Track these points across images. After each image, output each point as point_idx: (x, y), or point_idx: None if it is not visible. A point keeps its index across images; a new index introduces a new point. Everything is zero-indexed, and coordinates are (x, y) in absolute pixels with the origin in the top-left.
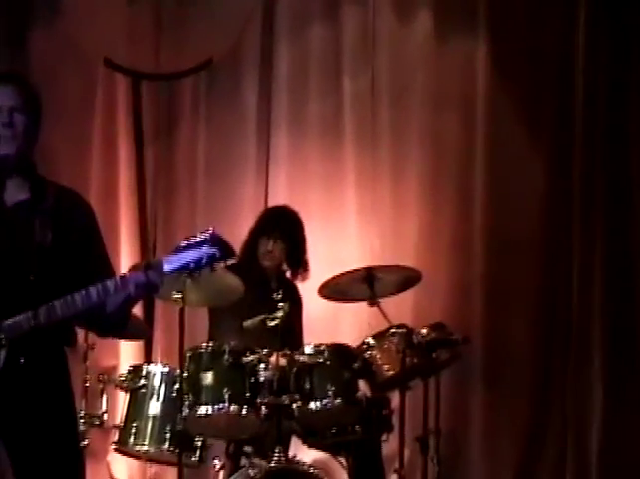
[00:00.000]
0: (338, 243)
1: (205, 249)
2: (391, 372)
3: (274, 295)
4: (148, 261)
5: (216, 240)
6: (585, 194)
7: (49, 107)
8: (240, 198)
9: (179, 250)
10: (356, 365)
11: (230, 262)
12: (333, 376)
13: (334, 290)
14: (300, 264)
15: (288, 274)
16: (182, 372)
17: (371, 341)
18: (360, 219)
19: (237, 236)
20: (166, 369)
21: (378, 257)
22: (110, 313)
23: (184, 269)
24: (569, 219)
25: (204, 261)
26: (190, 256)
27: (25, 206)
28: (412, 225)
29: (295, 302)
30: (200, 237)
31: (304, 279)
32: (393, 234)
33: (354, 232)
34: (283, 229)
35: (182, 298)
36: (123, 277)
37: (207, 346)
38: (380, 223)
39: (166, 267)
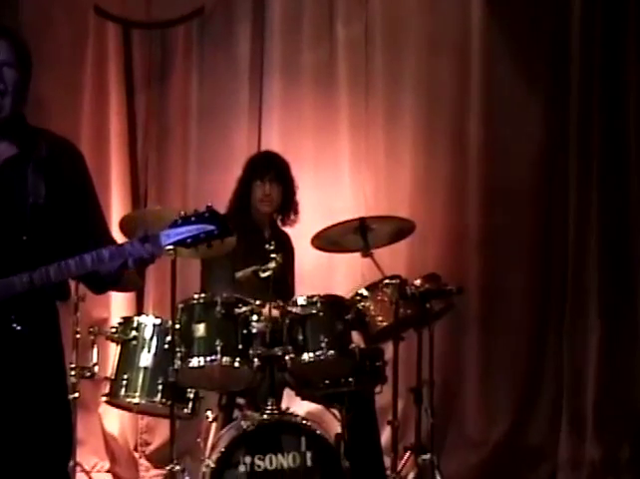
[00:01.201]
0: (331, 193)
1: (203, 225)
2: (384, 323)
3: (267, 245)
4: (145, 233)
5: (214, 217)
6: (582, 140)
7: (40, 55)
8: (233, 146)
9: (177, 224)
10: (349, 316)
11: (228, 240)
12: (326, 327)
13: (327, 241)
14: (292, 206)
15: (279, 223)
16: (174, 324)
17: (364, 292)
18: (353, 167)
19: (229, 183)
20: (158, 321)
21: (371, 207)
22: (105, 275)
23: (181, 244)
24: (565, 166)
25: (201, 237)
26: (188, 231)
27: (16, 161)
28: (406, 173)
29: (288, 252)
30: (198, 212)
31: (294, 223)
32: (386, 183)
33: (347, 180)
34: (277, 170)
35: (174, 249)
36: (119, 247)
37: (199, 298)
38: (373, 171)
39: (164, 241)
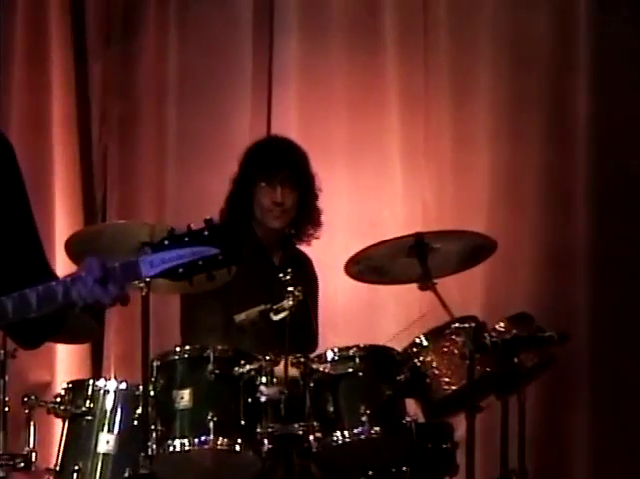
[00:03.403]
0: (374, 199)
1: (201, 248)
2: (453, 387)
3: (280, 275)
4: (111, 264)
5: (217, 235)
6: None
7: None
8: (230, 133)
9: (164, 246)
10: (402, 377)
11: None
12: (368, 394)
13: (369, 267)
14: (310, 216)
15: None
16: (147, 390)
17: (424, 342)
18: (406, 162)
19: (225, 187)
20: (123, 386)
21: (432, 218)
22: (38, 319)
23: (171, 275)
24: None
25: (200, 265)
26: (180, 257)
27: None
28: (482, 170)
29: (308, 283)
30: (193, 229)
31: (311, 238)
32: (455, 183)
33: (398, 181)
34: (291, 165)
35: (145, 283)
36: (75, 279)
37: (183, 351)
38: (436, 168)
39: (144, 272)
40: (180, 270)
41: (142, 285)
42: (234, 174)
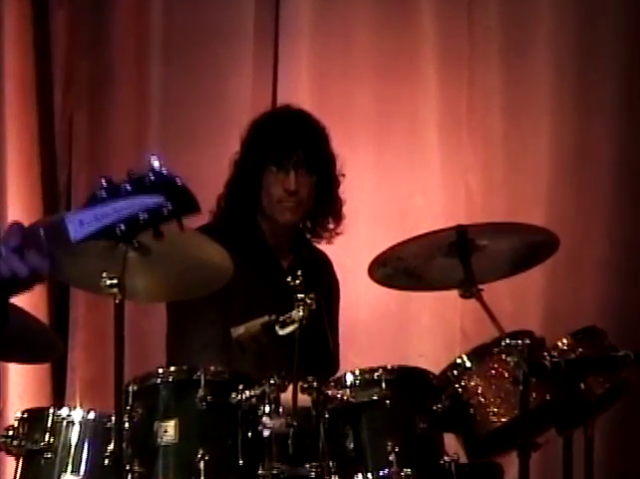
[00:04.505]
0: (406, 185)
1: (143, 198)
2: (503, 419)
3: (288, 279)
4: (34, 227)
5: (163, 182)
6: None
7: None
8: (228, 100)
9: (97, 200)
10: (439, 407)
11: (188, 218)
12: (397, 427)
13: (399, 269)
14: (331, 208)
15: (308, 235)
16: (121, 421)
17: (467, 362)
18: (446, 138)
19: (222, 168)
20: (91, 416)
21: (478, 208)
22: None
23: (107, 234)
24: None
25: (142, 220)
26: (117, 211)
27: None
28: (541, 148)
29: (327, 289)
30: (134, 175)
31: (332, 235)
32: (506, 165)
33: (435, 162)
34: (309, 148)
35: (120, 286)
36: None
37: (166, 374)
38: (482, 148)
39: (74, 232)
40: (120, 228)
41: (114, 290)
42: (236, 154)
